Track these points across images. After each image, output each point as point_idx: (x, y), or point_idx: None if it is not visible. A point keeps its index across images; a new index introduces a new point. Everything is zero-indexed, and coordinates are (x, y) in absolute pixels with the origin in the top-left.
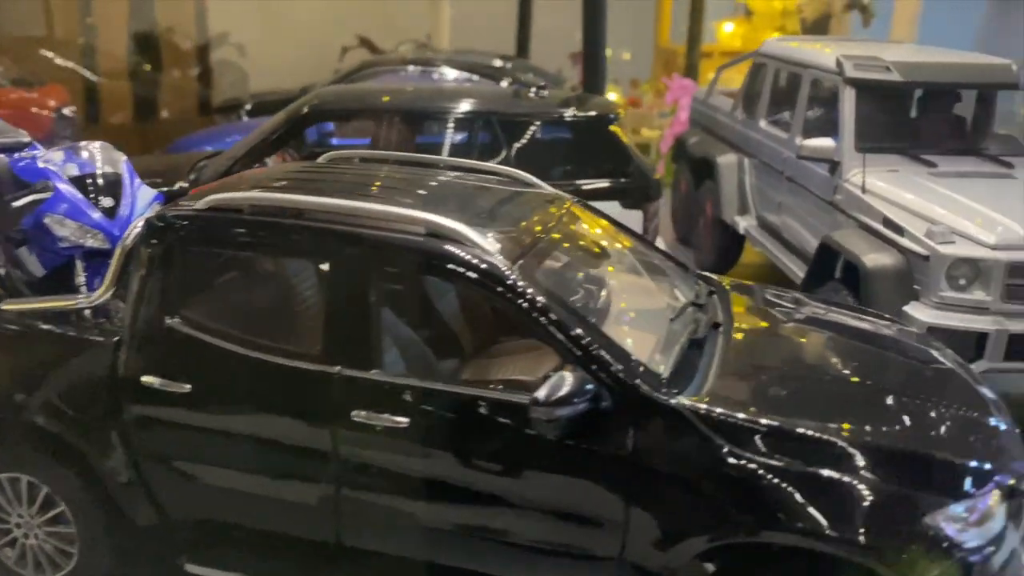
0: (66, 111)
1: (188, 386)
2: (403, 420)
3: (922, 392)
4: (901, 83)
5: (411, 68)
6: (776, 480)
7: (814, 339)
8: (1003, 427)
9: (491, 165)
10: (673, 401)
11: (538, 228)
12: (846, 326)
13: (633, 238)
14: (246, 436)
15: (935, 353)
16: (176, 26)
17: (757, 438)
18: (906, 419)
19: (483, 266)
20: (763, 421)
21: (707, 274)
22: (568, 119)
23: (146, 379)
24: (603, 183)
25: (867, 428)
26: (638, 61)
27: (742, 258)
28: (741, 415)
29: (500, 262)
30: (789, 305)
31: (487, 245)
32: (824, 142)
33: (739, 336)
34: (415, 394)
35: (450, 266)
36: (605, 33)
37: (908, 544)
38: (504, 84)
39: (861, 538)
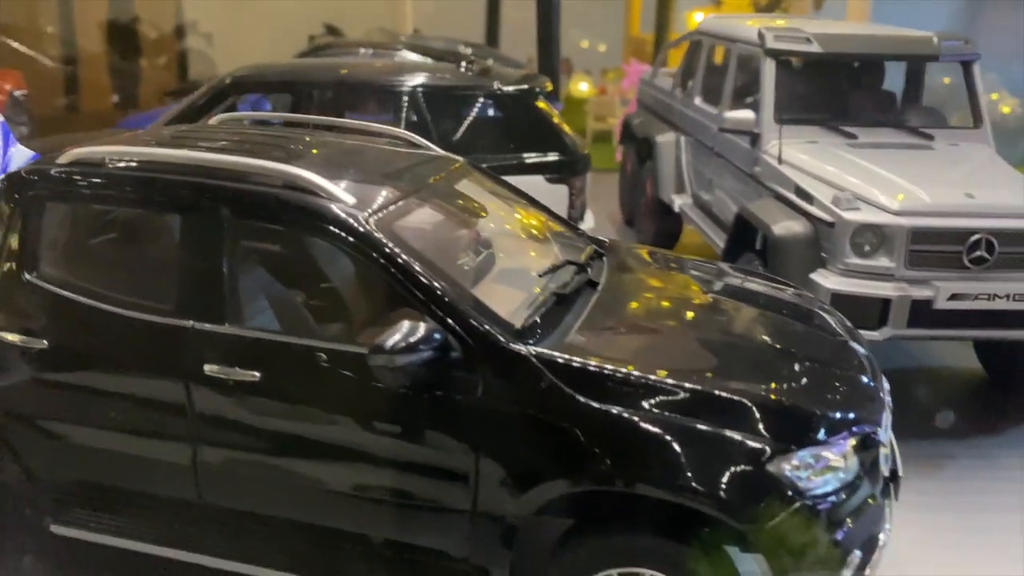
0: (18, 95)
1: (45, 342)
2: (255, 374)
3: (789, 346)
4: (820, 54)
5: (363, 50)
6: (618, 428)
7: (694, 298)
8: (866, 381)
9: (379, 126)
10: (522, 350)
11: (409, 185)
12: (733, 287)
13: (526, 203)
14: (104, 393)
15: (822, 315)
16: (152, 17)
17: (603, 386)
18: (761, 371)
19: (335, 215)
20: (610, 370)
21: (604, 238)
22: (492, 93)
23: (5, 336)
24: (527, 156)
25: (716, 378)
26: (613, 52)
27: (685, 239)
28: (590, 364)
29: (353, 212)
30: (686, 270)
31: (342, 196)
32: (744, 114)
33: (614, 294)
34: (267, 348)
35: (302, 216)
36: (559, 17)
37: (749, 490)
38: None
39: (697, 485)
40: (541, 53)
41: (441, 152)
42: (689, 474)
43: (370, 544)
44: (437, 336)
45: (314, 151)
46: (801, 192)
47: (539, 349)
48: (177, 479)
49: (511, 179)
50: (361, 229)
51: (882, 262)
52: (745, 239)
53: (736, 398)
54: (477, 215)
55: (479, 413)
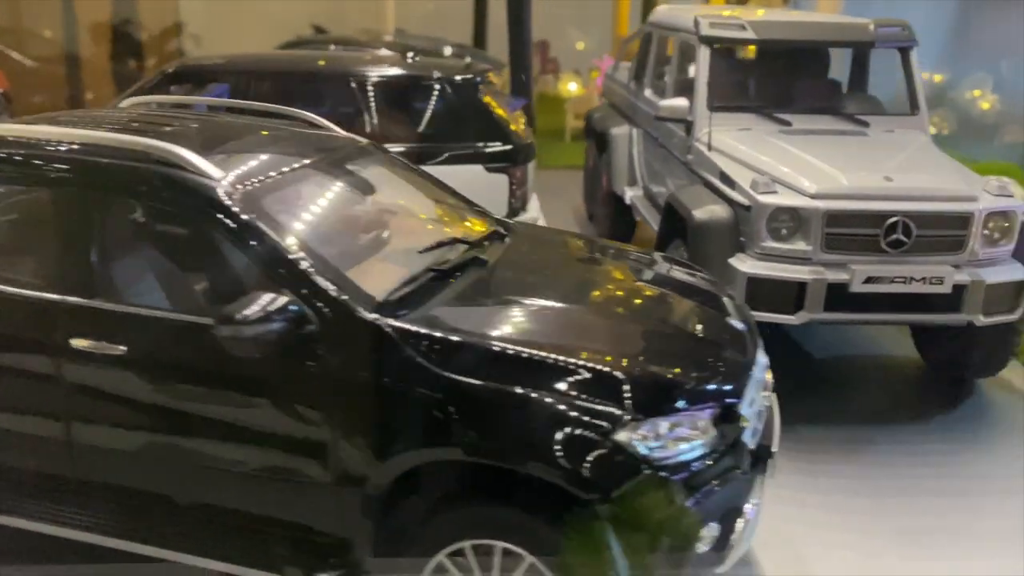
0: None
1: None
2: (122, 348)
3: (660, 320)
4: (754, 40)
5: (334, 47)
6: (467, 398)
7: (581, 276)
8: (735, 357)
9: (285, 108)
10: (379, 321)
11: (291, 162)
12: (626, 266)
13: (433, 186)
14: None
15: (715, 295)
16: (146, 19)
17: (456, 357)
18: (623, 342)
19: (196, 187)
20: (464, 341)
21: (514, 221)
22: (430, 82)
23: None
24: (466, 145)
25: (573, 349)
26: (603, 51)
27: (641, 233)
28: (446, 335)
29: (216, 184)
30: (589, 251)
31: (208, 169)
32: (678, 102)
33: (502, 272)
34: (132, 321)
35: (166, 189)
36: (529, 16)
37: (594, 459)
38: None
39: (540, 454)
40: (512, 51)
41: (343, 134)
42: (532, 443)
43: (236, 517)
44: (293, 308)
45: (199, 130)
46: (725, 177)
47: (396, 322)
48: (51, 454)
49: (450, 168)
50: (222, 201)
51: (799, 246)
52: (675, 226)
53: (589, 368)
54: (369, 194)
55: (336, 385)
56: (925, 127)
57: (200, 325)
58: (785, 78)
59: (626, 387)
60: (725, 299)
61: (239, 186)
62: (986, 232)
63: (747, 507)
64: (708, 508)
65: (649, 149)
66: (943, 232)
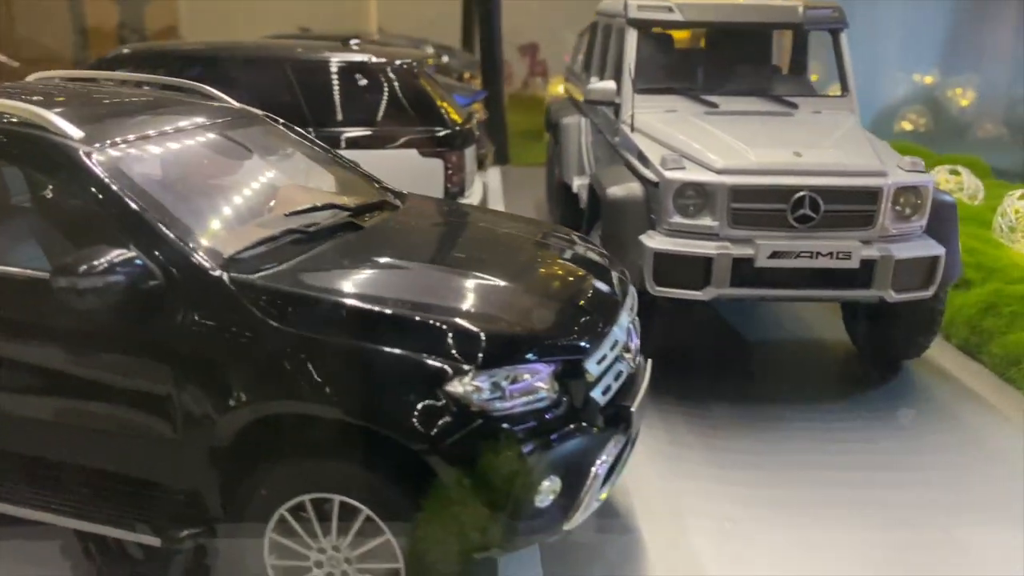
0: None
1: None
2: None
3: (516, 280)
4: (681, 23)
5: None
6: (305, 351)
7: (453, 241)
8: (588, 318)
9: (180, 81)
10: (223, 276)
11: (163, 129)
12: (505, 234)
13: (325, 157)
14: None
15: (594, 262)
16: (141, 21)
17: (296, 312)
18: (469, 299)
19: (54, 146)
20: (304, 296)
21: (408, 193)
22: (364, 67)
23: None
24: (399, 130)
25: (415, 306)
26: None
27: None
28: (288, 290)
29: (74, 144)
30: (481, 221)
31: (69, 130)
32: (606, 84)
33: (375, 236)
34: None
35: (27, 148)
36: (499, 15)
37: (424, 410)
38: None
39: (370, 405)
40: (483, 48)
41: (236, 105)
42: (363, 396)
43: (88, 475)
44: (138, 262)
45: (81, 98)
46: (641, 156)
47: (241, 276)
48: None
49: (384, 152)
50: (79, 159)
51: (706, 221)
52: (596, 207)
53: (425, 323)
54: (246, 160)
55: (179, 338)
56: (854, 108)
57: (45, 280)
58: (719, 60)
59: (462, 340)
60: (604, 269)
61: (98, 145)
62: (897, 208)
63: (597, 464)
64: (547, 460)
65: (595, 138)
66: (852, 207)
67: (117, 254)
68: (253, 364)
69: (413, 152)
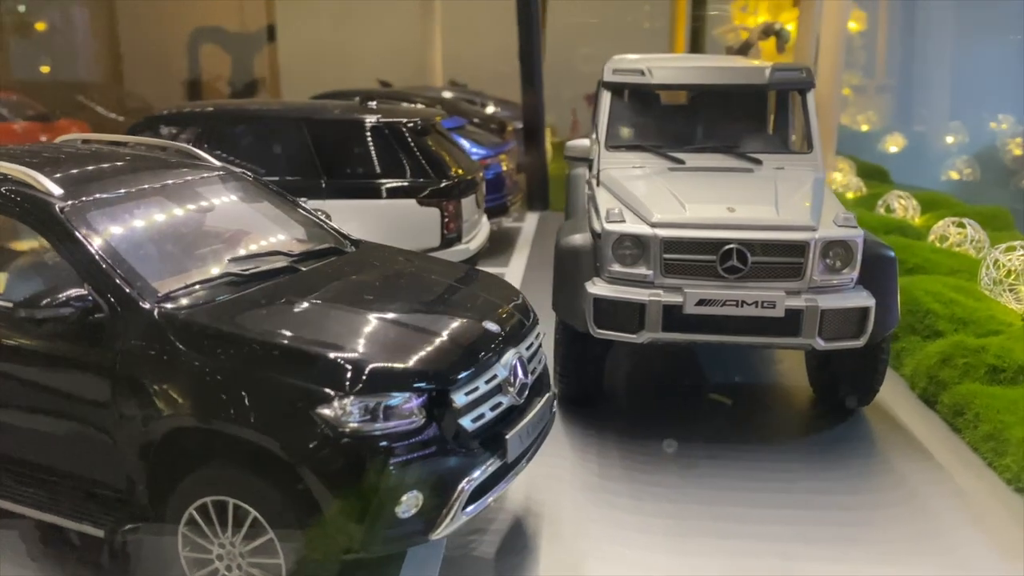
0: None
1: None
2: None
3: (401, 318)
4: (652, 85)
5: (356, 98)
6: (208, 374)
7: (377, 285)
8: (463, 352)
9: (171, 143)
10: (153, 310)
11: (140, 186)
12: (430, 281)
13: (288, 209)
14: None
15: (489, 301)
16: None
17: (204, 341)
18: (351, 333)
19: (37, 201)
20: (213, 328)
21: (361, 240)
22: (367, 125)
23: None
24: (398, 182)
25: (303, 338)
26: None
27: None
28: (202, 323)
29: (53, 201)
30: (406, 267)
31: (52, 189)
32: (581, 142)
33: (307, 279)
34: None
35: (13, 202)
36: (540, 60)
37: (299, 428)
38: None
39: (256, 422)
40: (524, 98)
41: (216, 163)
42: (251, 414)
43: (48, 473)
44: (88, 298)
45: (73, 159)
46: (597, 209)
47: (168, 311)
48: None
49: (385, 202)
50: (55, 213)
51: (641, 270)
52: None
53: (307, 353)
54: (208, 213)
55: (118, 360)
56: (819, 165)
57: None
58: (693, 118)
59: (337, 370)
60: (505, 313)
61: (72, 202)
62: (827, 261)
63: (463, 483)
64: (409, 477)
65: (584, 190)
66: (780, 259)
67: (71, 292)
68: (171, 384)
69: (412, 202)
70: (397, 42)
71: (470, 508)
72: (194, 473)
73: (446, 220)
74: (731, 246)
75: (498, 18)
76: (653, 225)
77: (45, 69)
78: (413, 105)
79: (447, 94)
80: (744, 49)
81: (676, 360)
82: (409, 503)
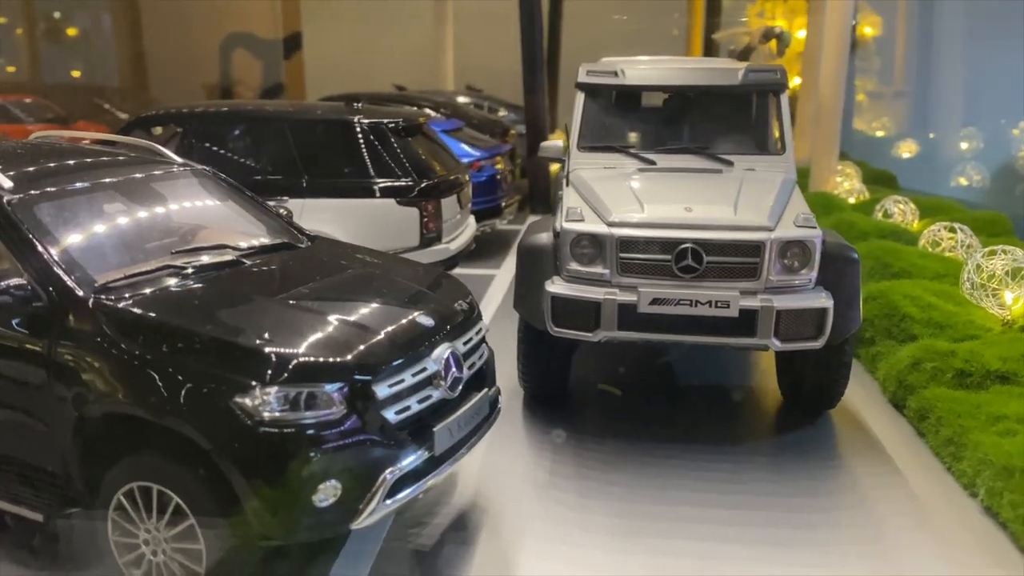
0: None
1: None
2: None
3: (331, 312)
4: (624, 87)
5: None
6: (134, 362)
7: (316, 279)
8: (393, 348)
9: (132, 140)
10: (88, 299)
11: (92, 181)
12: (371, 275)
13: (246, 205)
14: None
15: (430, 298)
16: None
17: (134, 329)
18: (277, 325)
19: None
20: (143, 318)
21: (319, 235)
22: (350, 124)
23: None
24: (379, 181)
25: (229, 329)
26: None
27: None
28: (132, 312)
29: (2, 193)
30: (351, 262)
31: (2, 182)
32: (555, 143)
33: (249, 274)
34: None
35: None
36: (543, 67)
37: (218, 416)
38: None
39: (175, 410)
40: (526, 101)
41: (179, 160)
42: (171, 402)
43: None
44: (29, 288)
45: (32, 154)
46: (561, 209)
47: (102, 301)
48: None
49: (364, 201)
50: (3, 206)
51: (598, 269)
52: None
53: (232, 344)
54: (162, 208)
55: (56, 347)
56: (790, 166)
57: None
58: (667, 119)
59: (257, 361)
60: (444, 309)
61: (20, 195)
62: (785, 261)
63: (385, 473)
64: (326, 466)
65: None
66: (736, 259)
67: (12, 281)
68: (102, 371)
69: (391, 201)
70: (415, 47)
71: (393, 499)
72: (122, 460)
73: (425, 220)
74: (686, 246)
75: (516, 25)
76: (610, 224)
77: (76, 73)
78: (408, 108)
79: (461, 99)
80: (746, 53)
81: (646, 358)
82: (327, 492)
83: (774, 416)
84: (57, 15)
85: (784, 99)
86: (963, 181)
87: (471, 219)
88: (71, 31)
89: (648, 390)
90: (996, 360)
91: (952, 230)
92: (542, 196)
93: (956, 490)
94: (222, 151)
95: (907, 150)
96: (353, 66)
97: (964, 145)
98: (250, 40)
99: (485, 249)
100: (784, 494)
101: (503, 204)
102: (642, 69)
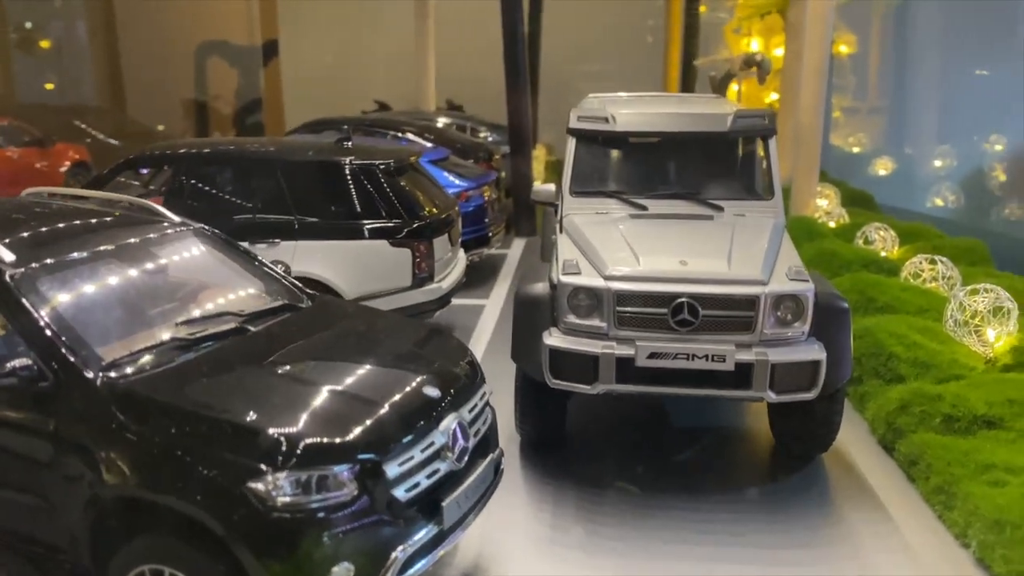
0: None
1: None
2: None
3: (349, 389)
4: (614, 133)
5: (345, 126)
6: (144, 444)
7: (318, 348)
8: (396, 421)
9: (127, 198)
10: (96, 379)
11: (93, 249)
12: (373, 343)
13: (245, 265)
14: None
15: (439, 374)
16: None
17: (143, 410)
18: (287, 405)
19: None
20: (152, 398)
21: (319, 295)
22: (340, 166)
23: None
24: (370, 223)
25: (238, 411)
26: None
27: None
28: (139, 394)
29: (3, 268)
30: (352, 326)
31: (5, 256)
32: (547, 187)
33: (252, 343)
34: None
35: None
36: (527, 97)
37: (232, 502)
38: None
39: (188, 494)
40: (511, 123)
41: (177, 220)
42: (183, 486)
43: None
44: (35, 367)
45: (28, 220)
46: (557, 258)
47: (110, 379)
48: None
49: (356, 243)
50: (3, 282)
51: (595, 322)
52: None
53: (241, 427)
54: (162, 275)
55: (62, 427)
56: (779, 212)
57: None
58: (658, 164)
59: (269, 445)
60: (447, 377)
61: (22, 270)
62: (778, 314)
63: (397, 551)
64: (339, 548)
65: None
66: (730, 313)
67: (17, 362)
68: (110, 453)
69: (383, 243)
70: (396, 52)
71: (405, 575)
72: (133, 541)
73: (417, 260)
74: (682, 299)
75: (499, 31)
76: (607, 278)
77: (49, 86)
78: (399, 134)
79: (442, 120)
80: (726, 80)
81: (643, 406)
82: (341, 572)
83: (768, 459)
84: (28, 25)
85: (772, 144)
86: (939, 202)
87: (461, 253)
88: (44, 43)
89: (643, 434)
90: (982, 404)
91: (933, 262)
92: (527, 219)
93: (948, 540)
94: (213, 191)
95: (883, 167)
96: (332, 73)
97: (938, 163)
98: (225, 48)
99: (473, 277)
100: (784, 546)
101: (491, 234)
102: (632, 114)
